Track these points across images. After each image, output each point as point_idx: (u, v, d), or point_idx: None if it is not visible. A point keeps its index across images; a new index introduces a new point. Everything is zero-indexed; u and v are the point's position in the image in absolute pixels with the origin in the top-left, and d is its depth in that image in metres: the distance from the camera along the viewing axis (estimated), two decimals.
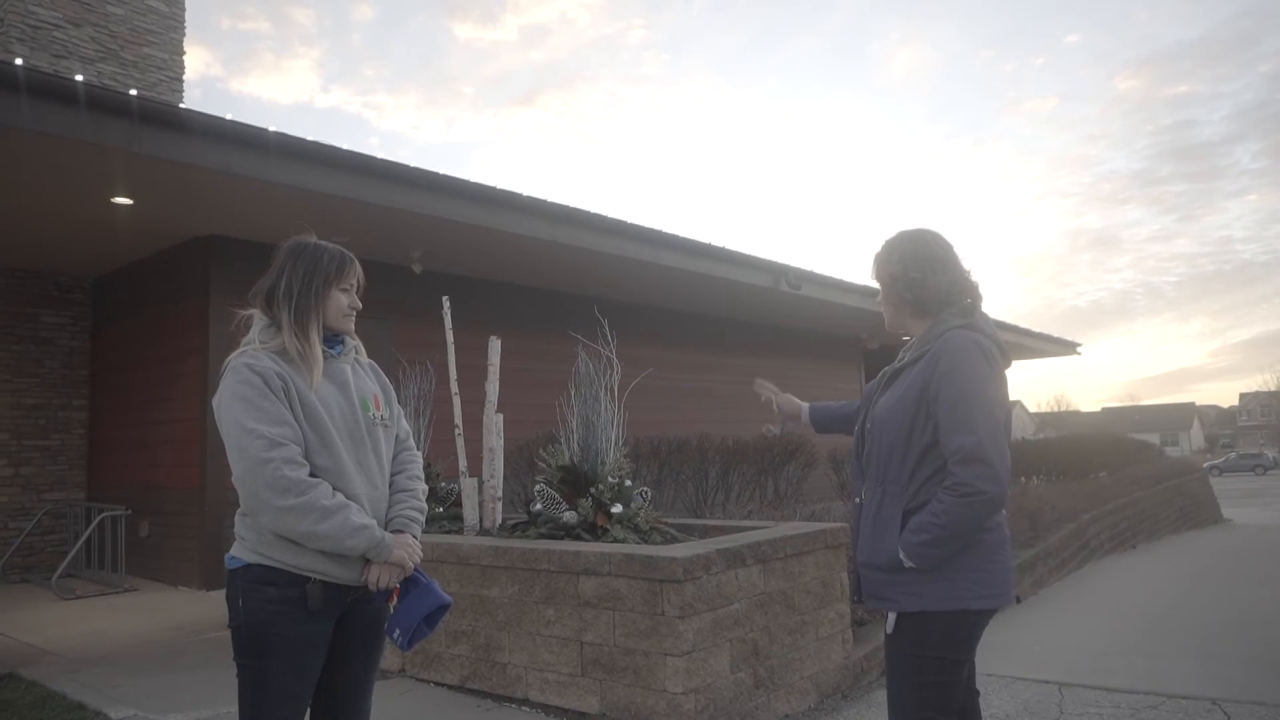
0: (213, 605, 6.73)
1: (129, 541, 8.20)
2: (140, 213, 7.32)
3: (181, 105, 6.53)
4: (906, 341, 2.53)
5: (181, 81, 11.38)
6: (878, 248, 2.50)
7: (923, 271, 2.36)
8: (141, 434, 8.69)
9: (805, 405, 2.93)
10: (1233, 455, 60.36)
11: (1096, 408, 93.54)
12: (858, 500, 2.43)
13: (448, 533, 5.33)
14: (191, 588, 7.77)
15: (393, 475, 2.36)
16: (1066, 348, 19.46)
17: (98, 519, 7.99)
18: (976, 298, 2.39)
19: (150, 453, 8.55)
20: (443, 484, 5.95)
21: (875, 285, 2.53)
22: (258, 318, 2.26)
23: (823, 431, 2.93)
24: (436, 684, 4.68)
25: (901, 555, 2.22)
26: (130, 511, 8.14)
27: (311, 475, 2.10)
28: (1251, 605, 7.72)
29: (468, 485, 5.40)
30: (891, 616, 2.29)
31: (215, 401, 2.16)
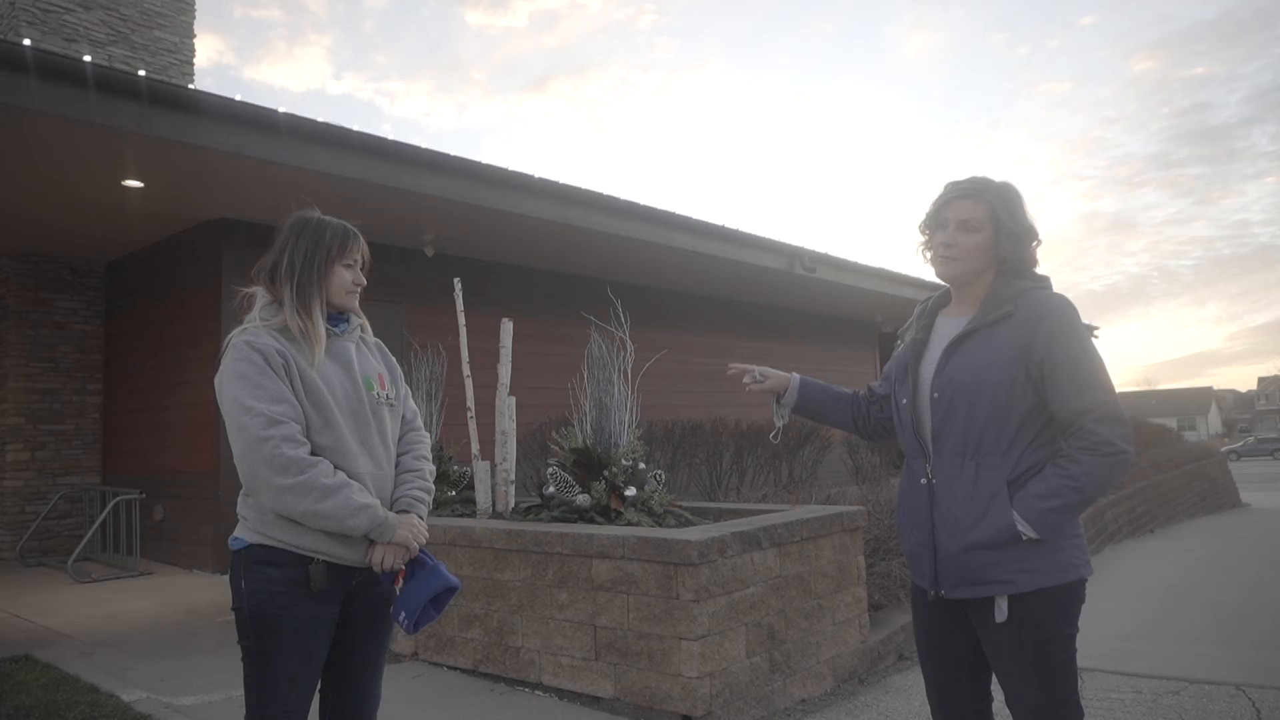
0: (227, 589, 6.68)
1: (144, 525, 8.23)
2: (151, 196, 7.30)
3: (191, 86, 6.48)
4: (921, 309, 2.35)
5: (192, 65, 11.34)
6: (995, 187, 2.20)
7: (1031, 229, 2.21)
8: (156, 418, 8.71)
9: (795, 377, 2.58)
10: (1251, 440, 59.93)
11: None
12: (924, 481, 2.19)
13: (460, 516, 5.30)
14: (206, 571, 7.80)
15: (399, 455, 2.31)
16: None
17: (112, 503, 8.01)
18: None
19: (164, 437, 8.56)
20: (455, 467, 5.92)
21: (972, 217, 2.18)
22: (260, 295, 2.21)
23: (804, 412, 2.57)
24: (449, 668, 4.65)
25: (1022, 526, 2.02)
26: (145, 495, 8.15)
27: (312, 454, 2.05)
28: (1273, 589, 7.62)
29: (480, 468, 5.36)
30: (1002, 603, 2.07)
31: (216, 380, 2.12)
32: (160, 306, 8.80)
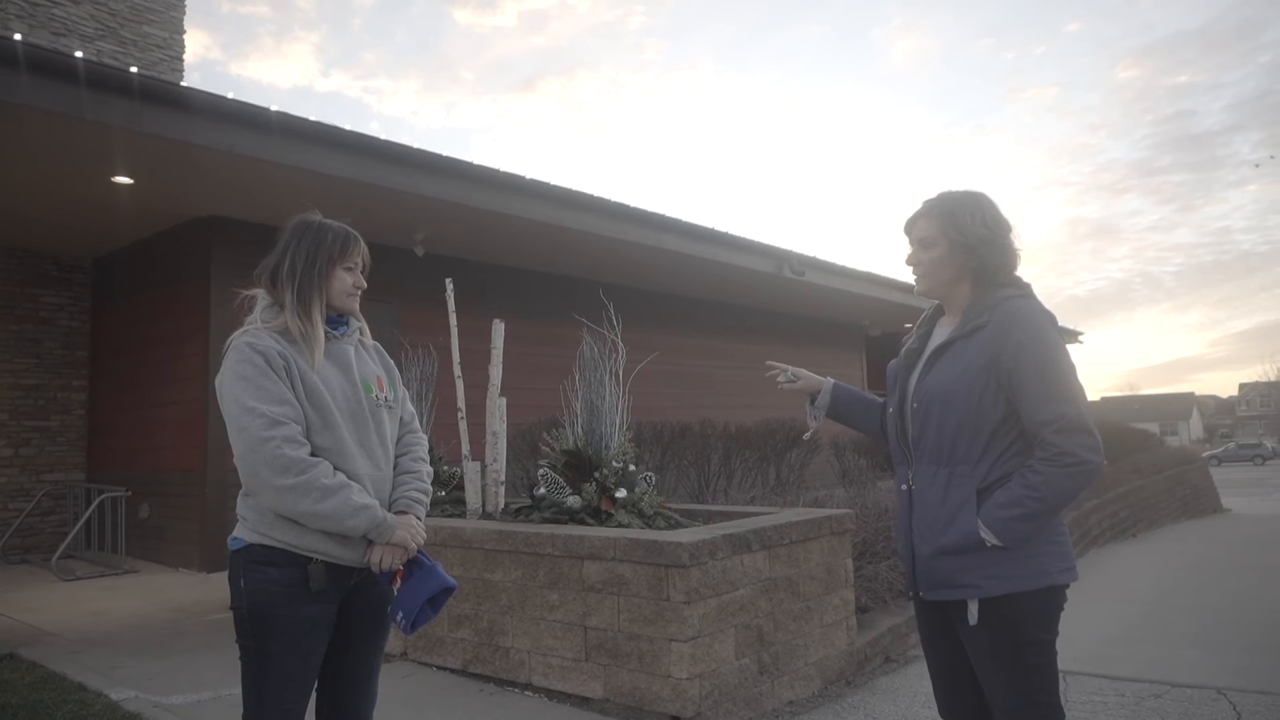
0: (214, 587, 6.72)
1: (129, 523, 8.18)
2: (141, 192, 7.26)
3: (183, 84, 6.46)
4: (922, 318, 2.39)
5: (181, 61, 11.29)
6: (947, 201, 2.26)
7: (1003, 234, 2.21)
8: (142, 415, 8.66)
9: (829, 381, 2.64)
10: (1232, 445, 60.49)
11: (1096, 397, 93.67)
12: (905, 487, 2.26)
13: (450, 516, 5.31)
14: (192, 570, 7.76)
15: (397, 457, 2.33)
16: (1069, 336, 19.41)
17: (98, 500, 7.97)
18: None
19: (151, 434, 8.52)
20: (445, 467, 5.92)
21: (929, 238, 2.26)
22: (261, 297, 2.23)
23: (836, 415, 2.62)
24: (438, 668, 4.66)
25: (985, 533, 2.06)
26: (130, 493, 8.11)
27: (312, 455, 2.07)
28: (1254, 594, 7.72)
29: (470, 469, 5.37)
30: (973, 607, 2.11)
31: (217, 381, 2.13)
32: (148, 303, 8.75)
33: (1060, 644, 2.18)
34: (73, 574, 7.60)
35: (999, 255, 2.21)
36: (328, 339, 2.20)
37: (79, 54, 5.56)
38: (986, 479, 2.11)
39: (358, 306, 2.31)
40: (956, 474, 2.14)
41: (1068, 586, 2.14)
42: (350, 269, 2.26)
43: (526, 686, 4.27)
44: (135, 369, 8.84)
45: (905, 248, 2.35)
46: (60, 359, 9.41)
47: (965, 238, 2.21)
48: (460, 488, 5.63)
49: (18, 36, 5.30)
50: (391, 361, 2.43)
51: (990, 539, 2.07)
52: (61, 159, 6.43)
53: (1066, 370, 2.08)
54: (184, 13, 11.44)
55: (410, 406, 2.45)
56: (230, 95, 6.14)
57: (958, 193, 2.29)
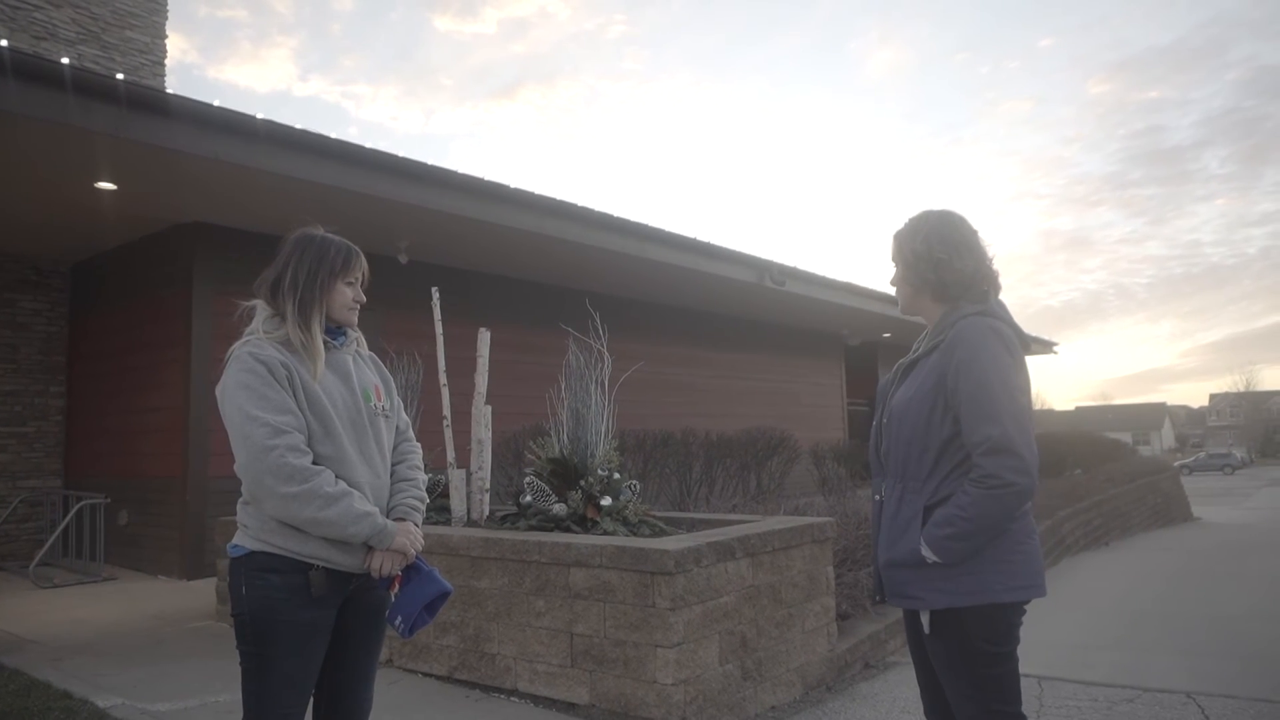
0: (194, 595, 6.69)
1: (108, 530, 8.13)
2: (124, 198, 7.24)
3: (169, 91, 6.46)
4: (920, 336, 2.43)
5: (163, 66, 11.24)
6: (899, 225, 2.37)
7: (949, 252, 2.24)
8: (122, 422, 8.61)
9: None
10: (1202, 455, 61.33)
11: (1070, 406, 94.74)
12: (877, 498, 2.34)
13: (435, 524, 5.33)
14: (172, 577, 7.71)
15: (393, 465, 2.38)
16: (1044, 347, 19.66)
17: (76, 507, 7.91)
18: (995, 288, 2.28)
19: (131, 441, 8.47)
20: (430, 474, 5.95)
21: (892, 266, 2.38)
22: (261, 308, 2.26)
23: None
24: (424, 674, 4.68)
25: (924, 550, 2.12)
26: (109, 500, 8.06)
27: (314, 463, 2.11)
28: (1223, 602, 7.88)
29: (455, 477, 5.40)
30: (925, 617, 2.18)
31: (219, 390, 2.16)
32: (129, 309, 8.70)
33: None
34: (50, 581, 7.54)
35: (941, 271, 2.25)
36: (327, 349, 2.25)
37: (65, 60, 5.56)
38: (934, 496, 2.17)
39: (356, 319, 2.36)
40: (909, 490, 2.22)
41: (1022, 604, 2.17)
42: (351, 283, 2.30)
43: (512, 692, 4.31)
44: (115, 375, 8.78)
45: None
46: (38, 364, 9.34)
47: (904, 255, 2.32)
48: (445, 495, 5.66)
49: (3, 42, 5.30)
50: (387, 372, 2.49)
51: (930, 556, 2.13)
52: (44, 164, 6.41)
53: (999, 391, 2.08)
54: (166, 18, 11.39)
55: (405, 415, 2.51)
56: (216, 103, 6.16)
57: (919, 213, 2.38)
